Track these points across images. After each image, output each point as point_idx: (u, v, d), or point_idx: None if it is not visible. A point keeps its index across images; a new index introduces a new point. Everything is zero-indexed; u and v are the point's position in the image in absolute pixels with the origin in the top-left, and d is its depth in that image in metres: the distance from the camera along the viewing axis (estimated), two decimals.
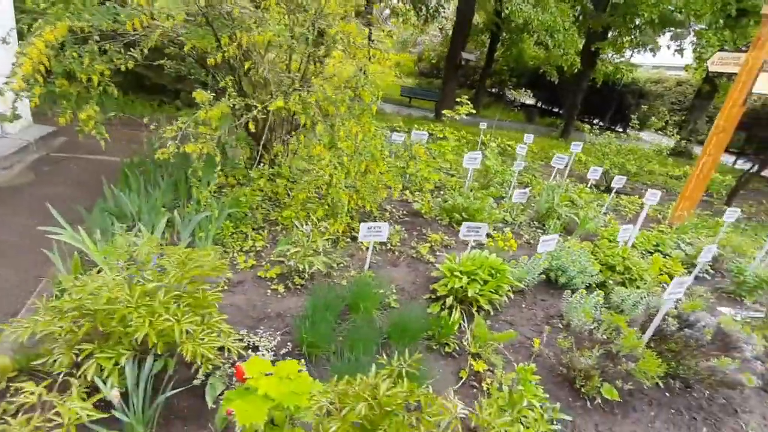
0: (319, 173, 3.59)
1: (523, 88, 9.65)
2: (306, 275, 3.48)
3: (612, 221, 6.51)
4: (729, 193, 9.72)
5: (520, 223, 5.79)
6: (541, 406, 2.60)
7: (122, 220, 3.58)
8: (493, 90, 27.29)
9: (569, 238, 5.37)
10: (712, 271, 5.34)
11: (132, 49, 3.51)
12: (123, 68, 3.51)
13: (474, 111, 6.53)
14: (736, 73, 6.81)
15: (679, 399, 3.06)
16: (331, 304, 3.01)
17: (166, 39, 3.81)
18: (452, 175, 7.42)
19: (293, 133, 3.99)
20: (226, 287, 3.30)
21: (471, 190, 5.54)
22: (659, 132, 9.67)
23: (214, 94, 3.52)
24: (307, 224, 3.41)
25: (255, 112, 3.32)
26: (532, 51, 21.58)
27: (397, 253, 4.35)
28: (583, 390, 2.84)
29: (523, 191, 5.72)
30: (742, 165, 18.41)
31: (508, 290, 3.64)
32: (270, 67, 3.56)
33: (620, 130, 22.45)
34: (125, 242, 2.38)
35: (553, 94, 24.55)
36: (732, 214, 5.69)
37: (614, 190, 6.42)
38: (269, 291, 3.38)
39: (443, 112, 6.38)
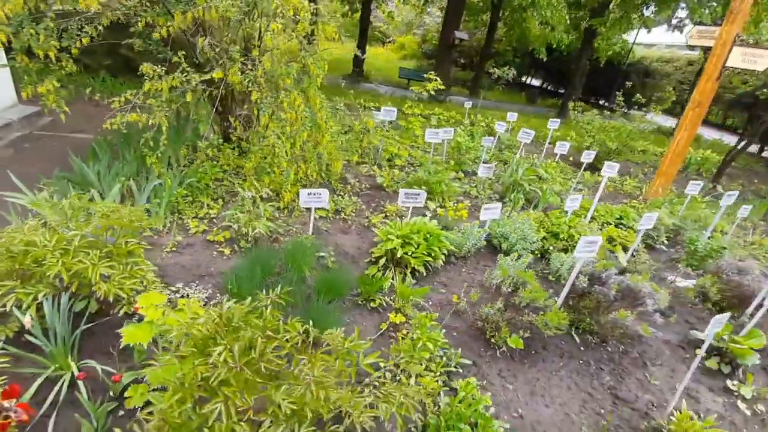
0: (264, 144, 3.79)
1: (509, 66, 9.54)
2: (251, 239, 3.72)
3: (584, 195, 6.60)
4: (716, 172, 9.62)
5: (486, 196, 5.92)
6: (444, 352, 2.83)
7: (84, 188, 3.86)
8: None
9: (531, 210, 5.51)
10: (666, 242, 5.42)
11: (87, 26, 3.71)
12: (78, 44, 3.71)
13: (443, 87, 6.62)
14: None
15: (593, 352, 3.24)
16: (264, 262, 3.25)
17: (123, 16, 4.00)
18: (427, 152, 7.53)
19: (246, 106, 4.18)
20: (174, 249, 3.56)
21: (432, 163, 5.67)
22: (650, 111, 9.54)
23: (165, 68, 3.74)
24: (248, 191, 3.63)
25: (194, 84, 3.53)
26: (537, 31, 21.21)
27: (350, 222, 4.56)
28: (492, 340, 3.04)
29: (489, 166, 5.86)
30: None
31: (443, 254, 3.82)
32: (216, 42, 3.74)
33: (626, 110, 22.10)
34: (45, 198, 2.64)
35: (556, 74, 24.17)
36: (695, 187, 5.72)
37: (584, 165, 6.48)
38: (215, 253, 3.63)
39: (411, 88, 6.46)
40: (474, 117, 10.74)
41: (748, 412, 2.96)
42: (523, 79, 29.31)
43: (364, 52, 17.81)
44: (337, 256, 3.90)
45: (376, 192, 5.47)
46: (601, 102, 23.91)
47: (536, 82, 29.40)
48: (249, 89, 3.82)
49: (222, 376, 1.43)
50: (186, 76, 3.71)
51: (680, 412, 2.53)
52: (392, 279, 3.50)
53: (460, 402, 2.38)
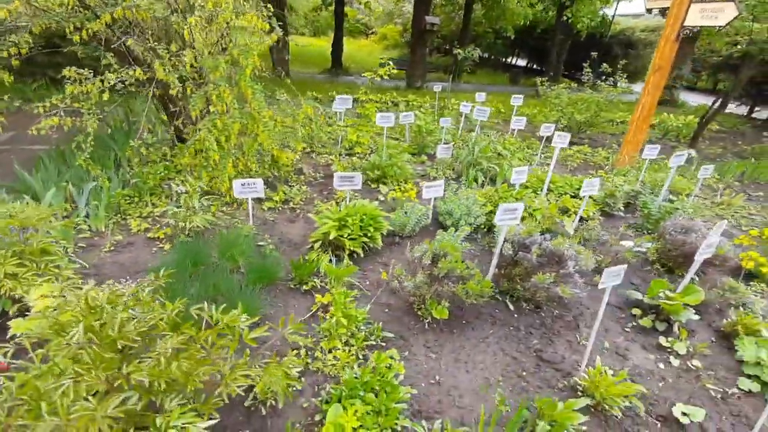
0: (196, 138, 3.83)
1: (473, 47, 9.38)
2: (189, 232, 3.76)
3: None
4: (692, 136, 9.53)
5: (443, 176, 5.93)
6: (368, 328, 2.86)
7: (22, 195, 3.92)
8: (480, 54, 26.77)
9: (488, 186, 5.50)
10: (624, 209, 5.40)
11: (13, 35, 3.75)
12: (6, 54, 3.75)
13: (396, 71, 6.60)
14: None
15: (526, 318, 3.26)
16: (197, 254, 3.30)
17: (54, 24, 4.03)
18: (396, 139, 7.53)
19: (181, 103, 4.21)
20: (113, 248, 3.62)
21: (386, 148, 5.68)
22: (619, 81, 9.38)
23: (92, 72, 3.79)
24: (181, 186, 3.67)
25: (112, 83, 3.57)
26: (517, 9, 20.98)
27: (298, 210, 4.60)
28: (419, 313, 3.07)
29: (447, 146, 5.86)
30: (734, 109, 17.80)
31: (382, 235, 3.85)
32: (139, 42, 3.76)
33: (611, 83, 21.87)
34: None
35: (539, 53, 23.97)
36: (652, 151, 5.69)
37: (543, 139, 6.45)
38: (155, 249, 3.69)
39: (365, 74, 6.46)
40: (446, 101, 10.71)
41: (681, 368, 2.97)
42: (509, 59, 29.15)
43: (341, 45, 17.85)
44: (280, 245, 3.95)
45: (331, 180, 5.48)
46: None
47: (522, 63, 29.18)
48: (180, 85, 3.87)
49: (70, 354, 1.48)
50: (124, 76, 3.76)
51: (593, 368, 2.55)
52: (328, 262, 3.53)
53: (371, 372, 2.41)
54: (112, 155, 4.79)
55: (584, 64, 8.76)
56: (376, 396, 2.25)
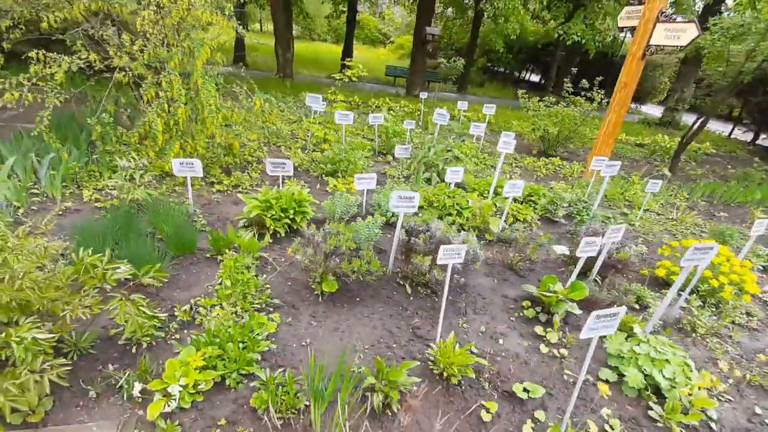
0: (144, 120, 4.23)
1: (458, 57, 9.65)
2: (129, 203, 4.13)
3: (512, 177, 6.78)
4: (673, 155, 9.54)
5: (400, 174, 6.20)
6: (260, 294, 3.15)
7: None
8: (494, 68, 27.12)
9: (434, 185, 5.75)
10: (561, 215, 5.56)
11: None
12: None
13: (365, 73, 6.93)
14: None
15: (420, 301, 3.49)
16: (129, 222, 3.66)
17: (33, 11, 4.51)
18: (371, 140, 7.85)
19: (140, 89, 4.63)
20: (60, 213, 4.02)
21: (343, 143, 5.99)
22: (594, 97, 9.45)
23: (58, 54, 4.24)
24: (126, 161, 4.06)
25: (65, 66, 3.99)
26: (530, 25, 21.21)
27: (245, 194, 4.94)
28: (313, 286, 3.35)
29: (405, 147, 6.16)
30: (741, 135, 17.51)
31: (307, 220, 4.16)
32: (101, 29, 4.20)
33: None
34: None
35: (547, 68, 24.04)
36: (599, 162, 5.84)
37: (499, 145, 6.65)
38: (98, 216, 4.07)
39: (333, 76, 6.82)
40: (433, 108, 11.02)
41: (548, 355, 3.15)
42: (522, 74, 29.28)
43: (351, 52, 18.37)
44: (217, 222, 4.29)
45: None
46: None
47: (536, 78, 29.30)
48: (137, 72, 4.31)
49: None
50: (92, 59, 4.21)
51: (444, 341, 2.78)
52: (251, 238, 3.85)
53: (241, 328, 2.70)
54: (85, 134, 5.24)
55: (565, 80, 8.93)
56: (235, 345, 2.53)
